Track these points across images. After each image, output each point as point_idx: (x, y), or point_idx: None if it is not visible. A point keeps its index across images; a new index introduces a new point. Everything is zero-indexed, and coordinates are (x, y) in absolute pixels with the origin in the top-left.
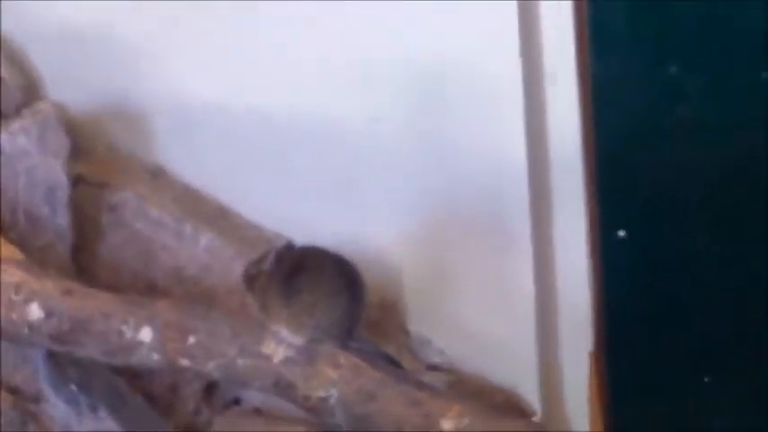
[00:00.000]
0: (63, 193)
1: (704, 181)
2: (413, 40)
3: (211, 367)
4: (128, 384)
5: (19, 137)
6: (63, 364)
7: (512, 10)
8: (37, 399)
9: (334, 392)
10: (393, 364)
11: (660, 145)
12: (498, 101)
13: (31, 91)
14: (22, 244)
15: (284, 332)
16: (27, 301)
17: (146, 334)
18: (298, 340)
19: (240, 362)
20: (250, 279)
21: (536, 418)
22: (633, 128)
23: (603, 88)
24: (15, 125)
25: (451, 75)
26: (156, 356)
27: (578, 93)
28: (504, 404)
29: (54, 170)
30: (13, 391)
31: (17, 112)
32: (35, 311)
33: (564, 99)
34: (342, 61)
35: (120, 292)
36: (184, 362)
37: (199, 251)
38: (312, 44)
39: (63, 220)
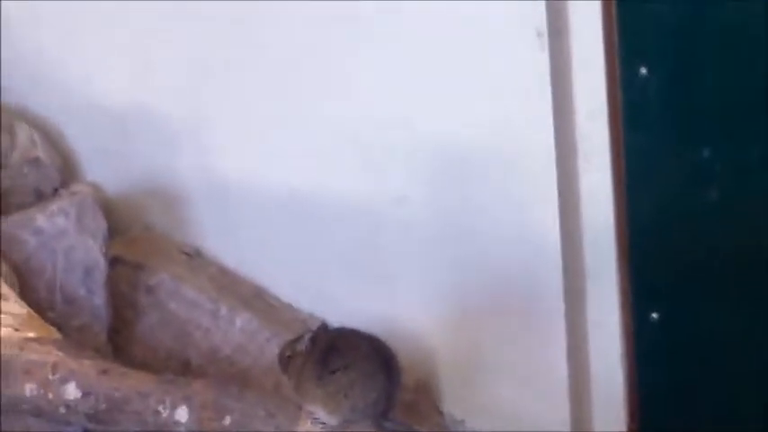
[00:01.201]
0: (100, 273)
1: (738, 263)
2: (443, 120)
3: None
4: None
5: (57, 217)
6: None
7: (545, 90)
8: None
9: None
10: None
11: (693, 226)
12: (531, 180)
13: (68, 171)
14: (59, 324)
15: (319, 412)
16: (64, 380)
17: (182, 414)
18: (333, 420)
19: None
20: (285, 360)
21: None
22: (666, 209)
23: (637, 170)
24: (53, 206)
25: (482, 154)
26: None
27: (612, 174)
28: None
29: (91, 251)
30: None
31: (55, 192)
32: (72, 391)
33: (597, 180)
34: (373, 140)
35: (156, 372)
36: None
37: (234, 332)
38: (343, 125)
39: (100, 300)
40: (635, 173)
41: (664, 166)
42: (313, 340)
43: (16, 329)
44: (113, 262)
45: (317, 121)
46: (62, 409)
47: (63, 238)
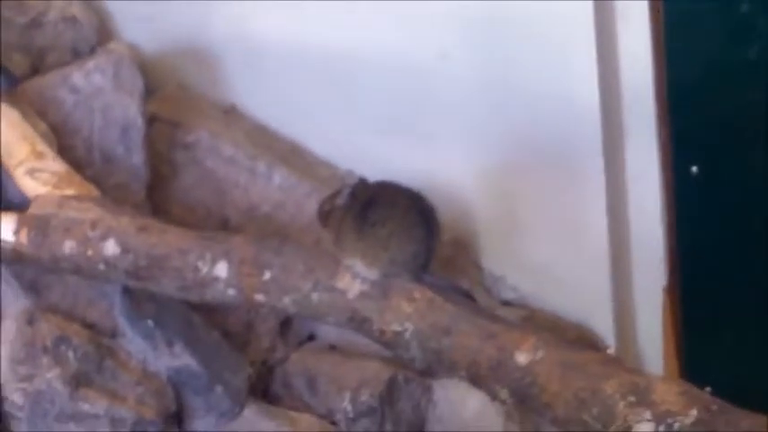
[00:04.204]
0: (138, 131)
1: None
2: None
3: (286, 302)
4: (204, 320)
5: (94, 75)
6: (139, 300)
7: None
8: (113, 334)
9: (409, 326)
10: (467, 297)
11: (732, 81)
12: (570, 35)
13: (103, 31)
14: (96, 182)
15: (359, 266)
16: (103, 237)
17: (221, 269)
18: (372, 274)
19: (315, 297)
20: (324, 214)
21: (610, 351)
22: (706, 64)
23: (676, 25)
24: (90, 64)
25: (522, 9)
26: (231, 292)
27: (650, 27)
28: (577, 340)
29: (129, 109)
30: (90, 326)
31: (91, 51)
32: (111, 247)
33: (636, 36)
34: None
35: (195, 230)
36: (260, 297)
37: (272, 189)
38: None
39: (138, 158)
40: (674, 27)
41: (703, 22)
42: (352, 194)
43: (55, 187)
44: (150, 120)
45: None
46: (101, 266)
47: (100, 95)
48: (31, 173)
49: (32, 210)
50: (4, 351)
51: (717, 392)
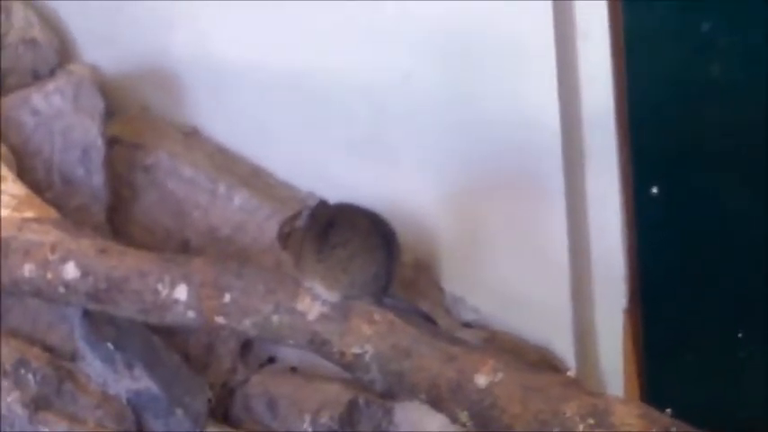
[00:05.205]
0: (98, 153)
1: (737, 137)
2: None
3: (247, 325)
4: (164, 343)
5: (54, 97)
6: (99, 323)
7: None
8: (73, 357)
9: (369, 348)
10: (428, 320)
11: (693, 102)
12: (530, 57)
13: (64, 53)
14: (57, 204)
15: (319, 288)
16: (63, 260)
17: (181, 292)
18: (332, 297)
19: (275, 319)
20: (284, 236)
21: (570, 374)
22: (666, 84)
23: (636, 46)
24: (50, 86)
25: (483, 32)
26: (191, 314)
27: (611, 49)
28: (538, 362)
29: (89, 130)
30: (50, 349)
31: (51, 73)
32: (71, 270)
33: (596, 55)
34: (373, 19)
35: (155, 252)
36: (220, 319)
37: (233, 210)
38: (343, 1)
39: (98, 180)
40: (634, 49)
41: (663, 43)
42: (312, 216)
43: (15, 210)
44: (110, 142)
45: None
46: (61, 289)
47: (60, 117)
48: None
49: None
50: None
51: (677, 414)
